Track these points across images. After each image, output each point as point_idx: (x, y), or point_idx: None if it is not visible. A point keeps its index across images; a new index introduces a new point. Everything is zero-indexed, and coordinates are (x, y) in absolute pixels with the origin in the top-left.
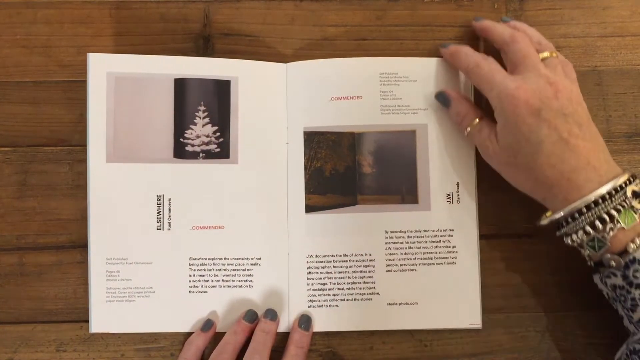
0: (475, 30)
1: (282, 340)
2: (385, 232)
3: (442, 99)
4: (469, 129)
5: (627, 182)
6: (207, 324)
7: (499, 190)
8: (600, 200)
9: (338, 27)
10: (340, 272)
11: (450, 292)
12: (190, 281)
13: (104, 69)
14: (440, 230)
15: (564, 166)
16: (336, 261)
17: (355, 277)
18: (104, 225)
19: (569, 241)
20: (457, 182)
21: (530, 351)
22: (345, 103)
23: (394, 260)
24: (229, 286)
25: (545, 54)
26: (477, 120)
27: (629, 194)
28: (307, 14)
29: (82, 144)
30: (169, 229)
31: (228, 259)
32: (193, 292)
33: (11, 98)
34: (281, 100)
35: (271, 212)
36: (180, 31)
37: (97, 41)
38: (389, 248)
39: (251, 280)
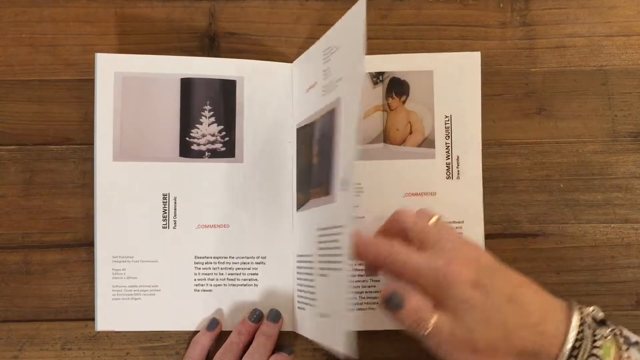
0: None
1: (285, 339)
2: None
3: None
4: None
5: (582, 311)
6: (213, 323)
7: (504, 190)
8: (582, 336)
9: None
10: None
11: None
12: (195, 279)
13: (111, 69)
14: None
15: (531, 321)
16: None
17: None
18: (110, 223)
19: None
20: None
21: None
22: None
23: None
24: (234, 285)
25: (433, 220)
26: (435, 316)
27: (593, 325)
28: (312, 13)
29: (88, 143)
30: (174, 228)
31: (233, 257)
32: (198, 290)
33: (17, 97)
34: (286, 100)
35: (276, 211)
36: (186, 30)
37: (102, 40)
38: None
39: (256, 279)
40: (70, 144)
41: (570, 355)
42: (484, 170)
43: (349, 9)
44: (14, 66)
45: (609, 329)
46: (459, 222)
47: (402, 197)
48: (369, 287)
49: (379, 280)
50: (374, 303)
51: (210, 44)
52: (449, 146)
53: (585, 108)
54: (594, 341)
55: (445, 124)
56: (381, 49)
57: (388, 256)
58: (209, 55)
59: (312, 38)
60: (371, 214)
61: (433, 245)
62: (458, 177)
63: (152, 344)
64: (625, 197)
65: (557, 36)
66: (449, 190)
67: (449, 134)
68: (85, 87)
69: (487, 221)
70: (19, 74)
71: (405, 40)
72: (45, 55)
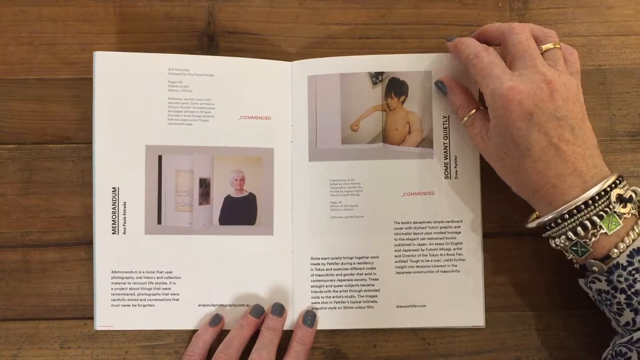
0: (451, 48)
1: (286, 338)
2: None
3: (440, 86)
4: (465, 118)
5: (612, 186)
6: (216, 319)
7: (502, 188)
8: (583, 207)
9: (342, 25)
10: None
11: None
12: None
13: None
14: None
15: (549, 172)
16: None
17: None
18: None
19: (554, 244)
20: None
21: (533, 350)
22: None
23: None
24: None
25: (549, 45)
26: (473, 111)
27: (613, 198)
28: (310, 12)
29: (87, 142)
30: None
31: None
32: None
33: (16, 95)
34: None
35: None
36: (185, 29)
37: (101, 39)
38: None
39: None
40: (69, 143)
41: (568, 213)
42: (482, 170)
43: (347, 8)
44: (13, 65)
45: (630, 209)
46: (457, 222)
47: (400, 197)
48: (368, 285)
49: (377, 279)
50: (373, 302)
51: (209, 43)
52: (447, 146)
53: None
54: (603, 211)
55: (444, 124)
56: (380, 47)
57: (475, 57)
58: (208, 54)
59: (311, 37)
60: (369, 213)
61: (523, 66)
62: (456, 177)
63: (151, 343)
64: None
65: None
66: (447, 190)
67: (447, 134)
68: (84, 86)
69: (486, 220)
70: (18, 73)
71: (404, 39)
72: (44, 54)
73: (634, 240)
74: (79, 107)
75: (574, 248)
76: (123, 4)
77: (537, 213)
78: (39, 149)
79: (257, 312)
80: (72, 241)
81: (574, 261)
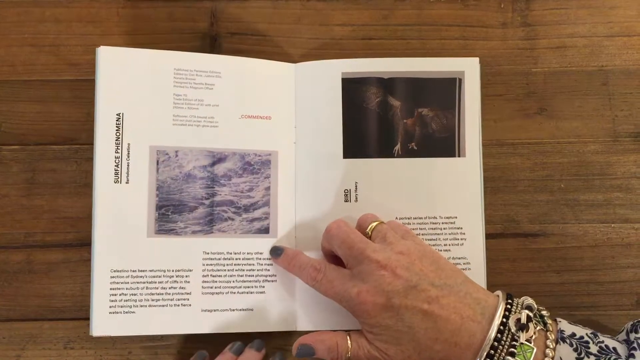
0: (281, 264)
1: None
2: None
3: (303, 352)
4: (348, 354)
5: (507, 314)
6: (200, 356)
7: (505, 190)
8: (492, 352)
9: (344, 26)
10: None
11: None
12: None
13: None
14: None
15: (443, 335)
16: None
17: None
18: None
19: None
20: None
21: None
22: None
23: None
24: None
25: (372, 225)
26: (348, 339)
27: (513, 329)
28: (313, 13)
29: (90, 143)
30: None
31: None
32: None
33: (19, 96)
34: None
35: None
36: (188, 30)
37: (105, 40)
38: None
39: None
40: (72, 144)
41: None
42: (484, 170)
43: (349, 9)
44: (16, 66)
45: (535, 329)
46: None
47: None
48: None
49: None
50: None
51: (212, 44)
52: None
53: (586, 108)
54: (511, 346)
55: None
56: (382, 49)
57: (313, 281)
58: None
59: (313, 38)
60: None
61: (357, 263)
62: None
63: (154, 344)
64: (625, 197)
65: (558, 36)
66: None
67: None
68: (87, 87)
69: (488, 221)
70: (21, 74)
71: (407, 40)
72: (48, 55)
73: (555, 351)
74: (82, 108)
75: None
76: (126, 5)
77: None
78: (42, 150)
79: (237, 349)
80: (75, 242)
81: None
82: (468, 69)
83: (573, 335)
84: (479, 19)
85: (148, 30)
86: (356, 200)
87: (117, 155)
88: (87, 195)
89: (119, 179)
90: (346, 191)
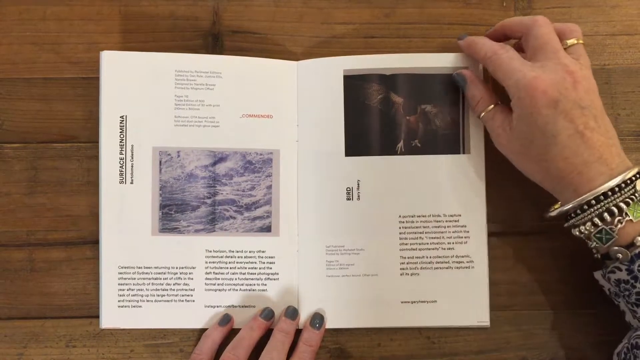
0: (464, 48)
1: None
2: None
3: (458, 80)
4: (483, 113)
5: (637, 176)
6: (225, 319)
7: (508, 187)
8: (609, 193)
9: (346, 24)
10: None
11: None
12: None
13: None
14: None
15: (576, 159)
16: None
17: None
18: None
19: (577, 232)
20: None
21: (538, 348)
22: None
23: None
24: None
25: (572, 41)
26: (492, 106)
27: (638, 187)
28: (315, 11)
29: (92, 141)
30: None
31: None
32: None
33: (21, 94)
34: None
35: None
36: (190, 29)
37: (106, 38)
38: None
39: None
40: (74, 142)
41: (595, 199)
42: (487, 169)
43: (351, 7)
44: (18, 64)
45: None
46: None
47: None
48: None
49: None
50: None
51: (214, 43)
52: None
53: None
54: (629, 198)
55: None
56: (384, 47)
57: (493, 54)
58: (213, 54)
59: (315, 36)
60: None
61: (544, 58)
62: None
63: (156, 342)
64: None
65: None
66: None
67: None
68: (89, 85)
69: (491, 219)
70: (23, 72)
71: (409, 38)
72: (49, 54)
73: None
74: (84, 106)
75: (597, 235)
76: (128, 3)
77: (557, 205)
78: (44, 148)
79: (267, 315)
80: (77, 240)
81: (595, 251)
82: (471, 65)
83: None
84: (481, 17)
85: (150, 29)
86: (358, 198)
87: (122, 156)
88: (89, 193)
89: (124, 180)
90: (348, 189)
